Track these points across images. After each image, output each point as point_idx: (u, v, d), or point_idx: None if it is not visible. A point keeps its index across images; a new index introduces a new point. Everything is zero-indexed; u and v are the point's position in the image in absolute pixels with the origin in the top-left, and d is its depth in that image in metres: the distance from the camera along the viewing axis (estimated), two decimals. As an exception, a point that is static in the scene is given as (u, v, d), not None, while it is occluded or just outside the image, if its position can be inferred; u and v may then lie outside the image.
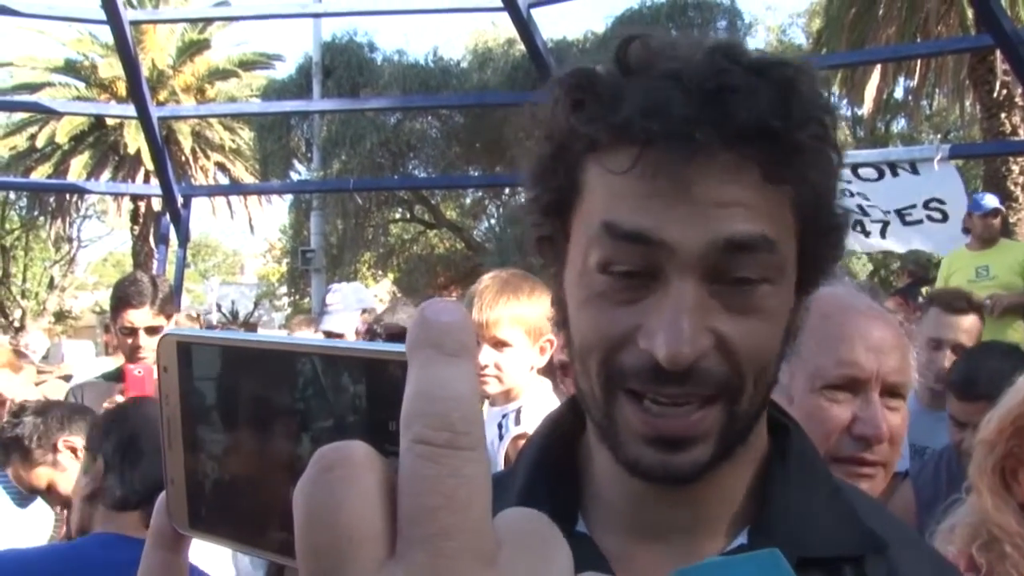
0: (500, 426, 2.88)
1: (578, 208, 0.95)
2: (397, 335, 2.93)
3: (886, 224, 7.32)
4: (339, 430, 0.42)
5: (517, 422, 2.83)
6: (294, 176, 22.92)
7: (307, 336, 5.10)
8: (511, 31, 12.97)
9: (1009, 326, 6.35)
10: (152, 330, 4.05)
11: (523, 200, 1.03)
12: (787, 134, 0.87)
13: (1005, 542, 1.78)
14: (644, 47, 0.91)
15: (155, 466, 1.91)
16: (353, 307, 4.83)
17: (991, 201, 7.22)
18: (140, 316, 4.03)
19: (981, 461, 1.87)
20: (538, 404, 2.81)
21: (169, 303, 4.19)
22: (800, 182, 0.90)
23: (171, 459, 0.52)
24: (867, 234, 7.50)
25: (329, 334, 4.73)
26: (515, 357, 2.82)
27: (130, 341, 4.03)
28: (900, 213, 7.36)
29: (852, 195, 7.34)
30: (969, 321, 4.05)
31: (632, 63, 0.91)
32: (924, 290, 6.94)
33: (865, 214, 7.36)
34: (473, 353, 0.39)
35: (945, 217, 7.29)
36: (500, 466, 2.67)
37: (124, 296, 4.07)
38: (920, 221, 7.35)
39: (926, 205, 7.32)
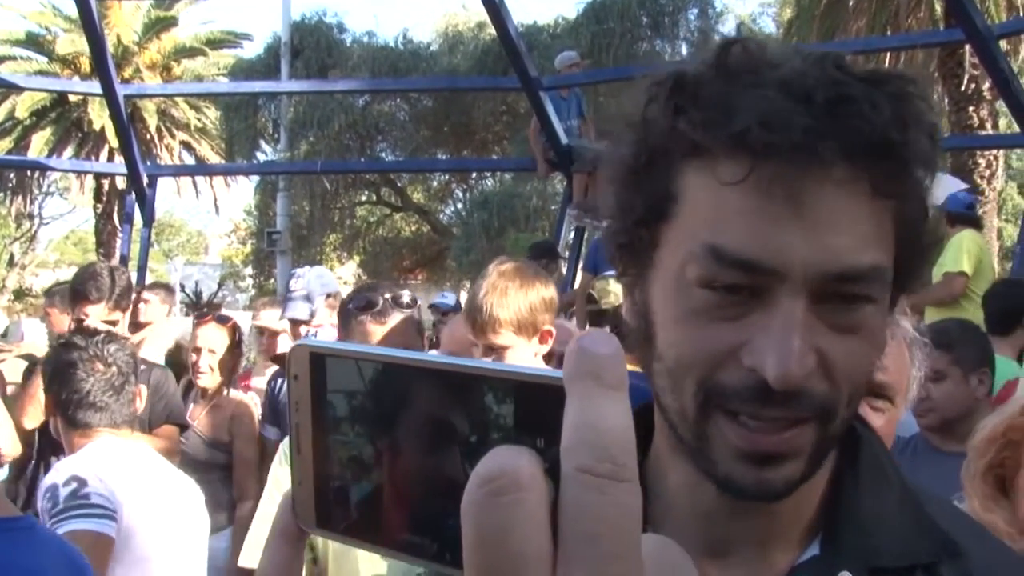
0: None
1: (673, 217, 0.90)
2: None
3: None
4: (484, 445, 0.44)
5: None
6: (261, 157, 22.76)
7: (278, 316, 5.04)
8: (482, 15, 12.95)
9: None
10: (106, 324, 4.19)
11: (607, 208, 0.97)
12: (902, 148, 0.85)
13: None
14: (746, 52, 0.88)
15: None
16: (317, 292, 4.76)
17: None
18: (96, 310, 4.25)
19: (970, 465, 1.88)
20: None
21: (125, 297, 4.38)
22: (906, 198, 0.88)
23: (300, 463, 0.55)
24: None
25: (294, 321, 4.66)
26: (513, 358, 2.80)
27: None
28: None
29: None
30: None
31: (734, 69, 0.87)
32: None
33: None
34: (627, 384, 0.42)
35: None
36: None
37: (83, 290, 4.27)
38: None
39: None
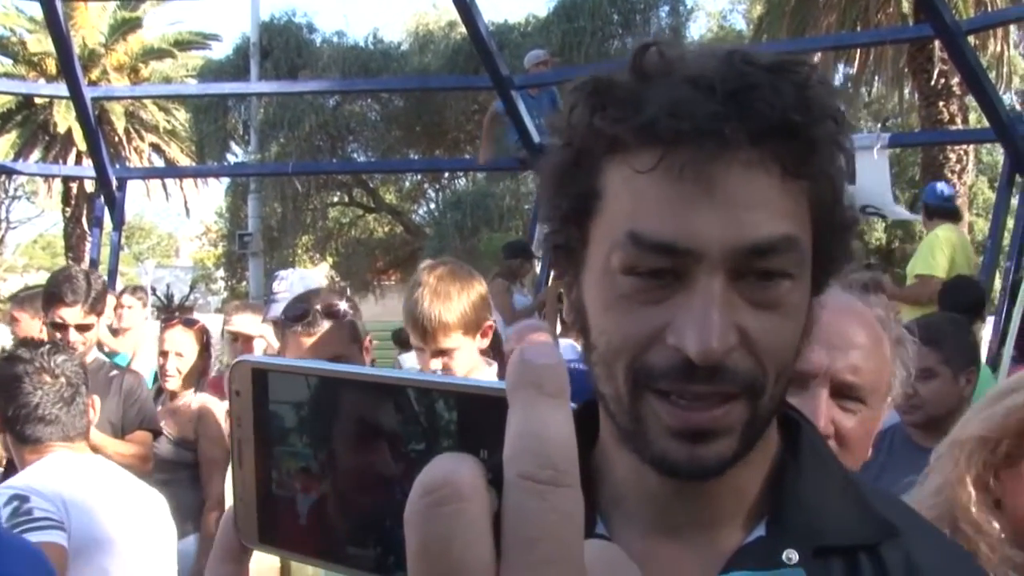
0: None
1: (599, 212, 0.95)
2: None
3: None
4: (429, 456, 0.45)
5: None
6: (231, 158, 22.62)
7: (251, 321, 5.01)
8: (452, 14, 12.90)
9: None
10: (82, 327, 4.25)
11: (540, 210, 1.03)
12: (807, 129, 0.90)
13: (980, 541, 1.76)
14: (660, 55, 0.93)
15: None
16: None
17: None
18: (71, 314, 4.21)
19: (973, 455, 1.84)
20: None
21: (100, 301, 4.35)
22: (817, 178, 0.92)
23: (241, 478, 0.55)
24: None
25: (276, 323, 4.65)
26: (461, 358, 2.88)
27: (59, 335, 4.15)
28: None
29: None
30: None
31: (648, 70, 0.92)
32: None
33: None
34: (568, 395, 0.43)
35: (883, 219, 7.41)
36: None
37: (58, 292, 4.23)
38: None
39: (863, 210, 7.41)
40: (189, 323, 5.06)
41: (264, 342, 4.92)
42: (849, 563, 0.97)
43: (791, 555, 0.95)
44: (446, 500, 0.41)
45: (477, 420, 0.45)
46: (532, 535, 0.40)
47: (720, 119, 0.86)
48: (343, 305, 2.93)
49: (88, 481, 2.88)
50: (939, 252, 6.48)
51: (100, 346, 6.06)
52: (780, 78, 0.89)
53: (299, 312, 2.86)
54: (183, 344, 4.85)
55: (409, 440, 0.48)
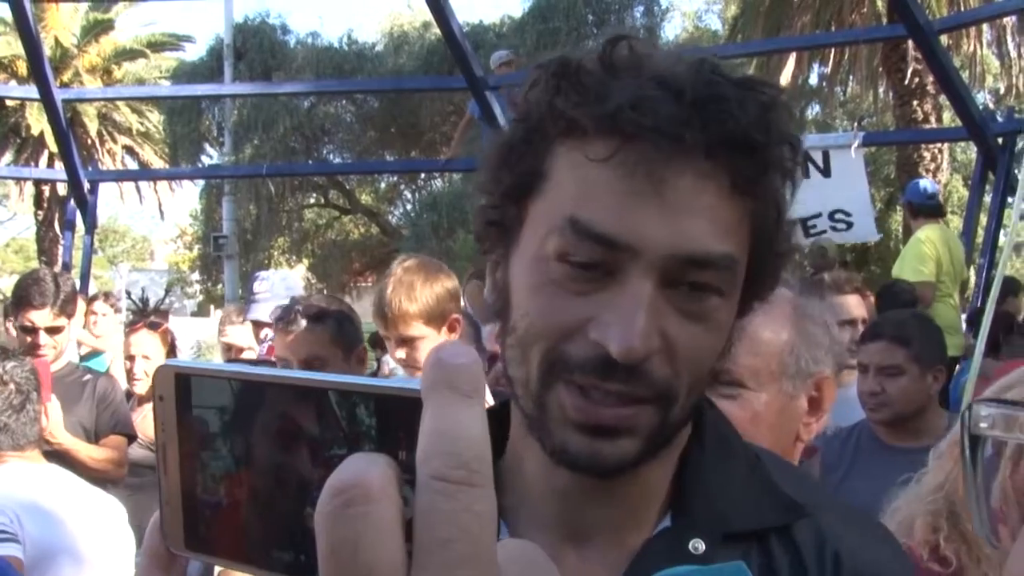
0: None
1: (541, 194, 0.94)
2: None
3: None
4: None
5: None
6: (205, 160, 22.51)
7: (244, 333, 4.99)
8: (427, 15, 12.87)
9: None
10: (52, 330, 4.22)
11: (480, 181, 1.01)
12: (764, 149, 0.89)
13: (985, 544, 1.74)
14: (630, 49, 0.92)
15: None
16: (281, 295, 4.76)
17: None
18: (41, 316, 4.18)
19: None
20: None
21: (71, 303, 4.31)
22: (764, 199, 0.92)
23: (167, 484, 0.54)
24: None
25: (257, 323, 4.63)
26: (425, 348, 2.93)
27: (29, 339, 4.16)
28: (804, 224, 7.41)
29: None
30: (849, 302, 4.27)
31: (617, 63, 0.91)
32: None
33: None
34: (484, 394, 0.42)
35: (850, 227, 7.40)
36: None
37: (26, 296, 4.20)
38: (823, 232, 7.43)
39: (831, 216, 7.42)
40: (154, 326, 5.04)
41: (253, 355, 4.91)
42: (760, 547, 0.96)
43: (697, 544, 0.94)
44: (354, 502, 0.40)
45: (397, 421, 0.44)
46: (444, 536, 0.40)
47: (682, 123, 0.85)
48: (328, 308, 3.04)
49: (42, 491, 2.84)
50: (926, 257, 6.52)
51: (79, 345, 6.01)
52: (747, 94, 0.89)
53: (282, 311, 3.03)
54: (149, 347, 4.83)
55: (330, 443, 0.47)
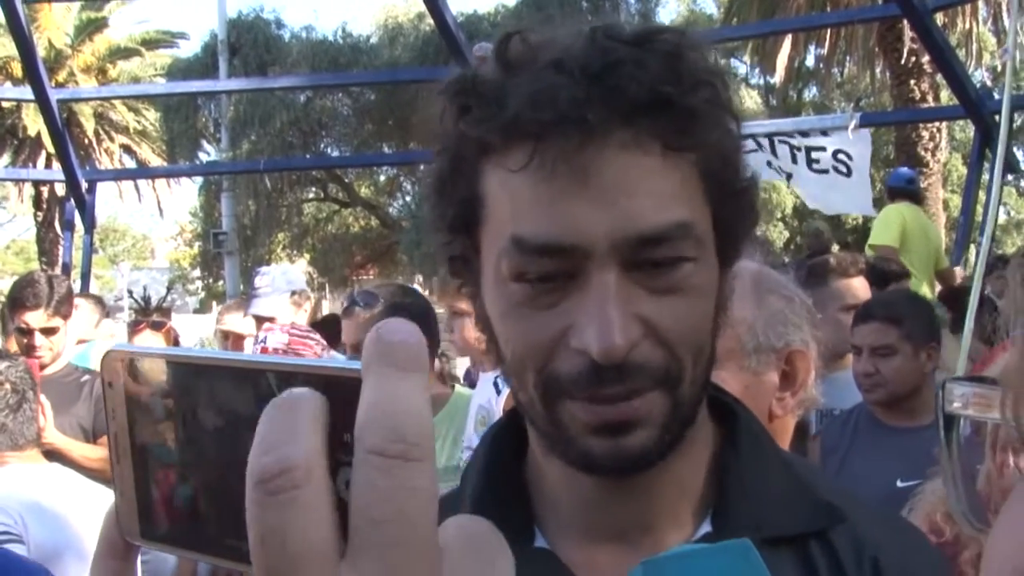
0: (496, 384, 3.13)
1: (484, 219, 0.91)
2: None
3: (790, 176, 7.40)
4: None
5: (499, 392, 3.09)
6: (203, 157, 22.47)
7: (242, 320, 4.97)
8: (421, 6, 12.83)
9: None
10: (47, 331, 4.26)
11: (428, 220, 0.98)
12: (680, 99, 0.85)
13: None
14: (524, 42, 0.88)
15: None
16: (282, 289, 4.74)
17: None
18: (35, 318, 4.22)
19: None
20: None
21: (65, 304, 4.34)
22: (702, 147, 0.88)
23: (119, 472, 0.53)
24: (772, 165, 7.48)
25: (259, 318, 4.62)
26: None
27: (25, 340, 4.21)
28: (808, 153, 7.40)
29: (759, 148, 7.37)
30: (854, 284, 4.19)
31: (513, 59, 0.88)
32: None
33: (773, 153, 7.37)
34: (426, 369, 0.41)
35: (849, 172, 7.39)
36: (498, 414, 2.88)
37: (20, 297, 4.25)
38: (826, 171, 7.43)
39: (835, 155, 7.42)
40: (156, 326, 5.03)
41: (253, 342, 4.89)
42: (800, 551, 0.95)
43: None
44: (280, 488, 0.38)
45: (341, 402, 0.43)
46: (378, 515, 0.37)
47: (581, 104, 0.82)
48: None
49: (44, 491, 2.84)
50: (892, 223, 6.59)
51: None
52: (645, 51, 0.85)
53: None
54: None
55: None
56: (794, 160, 7.39)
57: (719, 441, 1.00)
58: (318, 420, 0.40)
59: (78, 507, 2.90)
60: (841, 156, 7.38)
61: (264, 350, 3.74)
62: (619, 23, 0.89)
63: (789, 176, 7.39)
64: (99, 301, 5.74)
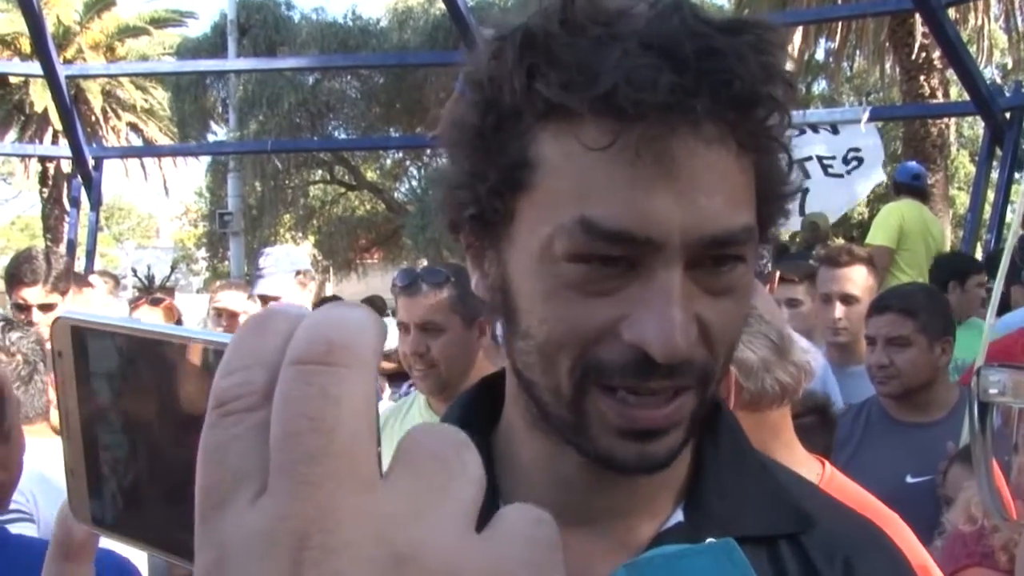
0: None
1: (532, 187, 0.85)
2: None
3: (806, 192, 7.41)
4: None
5: None
6: (212, 137, 22.45)
7: (236, 297, 4.96)
8: (432, -11, 12.82)
9: None
10: (45, 307, 4.23)
11: (450, 176, 0.91)
12: (768, 101, 0.83)
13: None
14: (590, 2, 0.83)
15: None
16: (287, 269, 4.74)
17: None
18: (33, 293, 4.19)
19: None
20: None
21: (63, 280, 4.31)
22: (767, 150, 0.86)
23: (70, 449, 0.49)
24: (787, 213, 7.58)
25: (264, 298, 4.63)
26: None
27: (23, 317, 4.14)
28: (822, 162, 7.46)
29: None
30: (853, 271, 4.17)
31: (582, 20, 0.82)
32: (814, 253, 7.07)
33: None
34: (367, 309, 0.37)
35: (861, 162, 7.42)
36: None
37: (17, 273, 4.22)
38: (841, 175, 7.46)
39: (845, 159, 7.44)
40: (155, 302, 5.03)
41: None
42: (770, 552, 0.94)
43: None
44: (232, 411, 0.36)
45: None
46: (293, 428, 0.34)
47: (687, 92, 0.78)
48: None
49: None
50: (890, 223, 6.59)
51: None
52: (740, 43, 0.82)
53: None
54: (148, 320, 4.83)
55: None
56: (806, 174, 7.40)
57: (700, 435, 0.99)
58: (286, 342, 0.36)
59: None
60: (851, 155, 7.39)
61: None
62: (696, 3, 0.85)
63: (805, 192, 7.37)
64: (115, 280, 5.75)
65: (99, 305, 5.58)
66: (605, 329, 0.84)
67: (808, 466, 1.70)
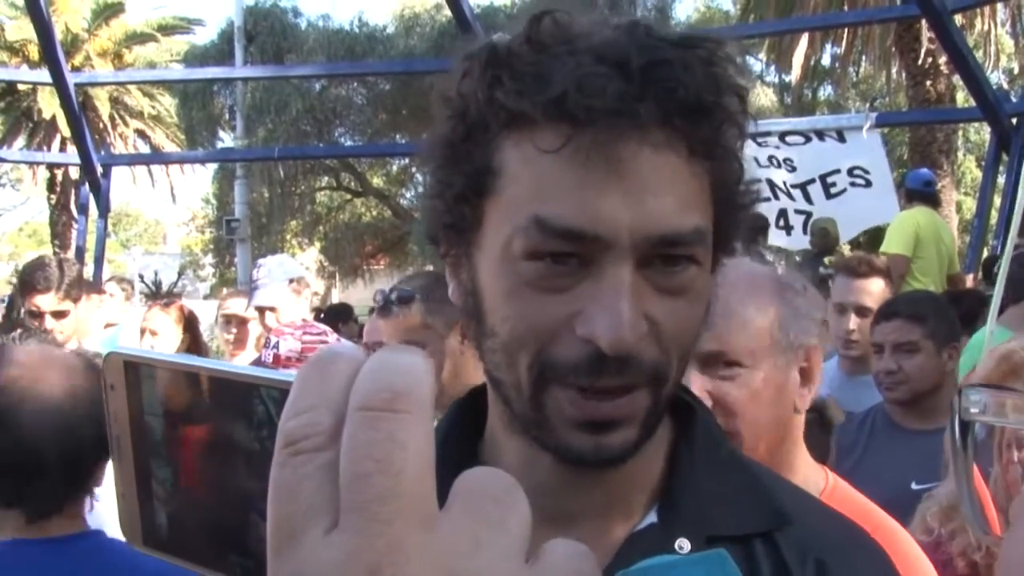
0: None
1: (495, 192, 0.90)
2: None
3: (808, 215, 7.42)
4: None
5: None
6: (218, 143, 22.50)
7: (244, 304, 4.99)
8: (438, -4, 12.86)
9: None
10: (58, 314, 4.28)
11: (427, 187, 0.97)
12: (716, 109, 0.87)
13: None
14: (556, 24, 0.89)
15: None
16: (279, 278, 4.78)
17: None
18: (46, 301, 4.24)
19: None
20: None
21: (76, 287, 4.35)
22: (721, 157, 0.90)
23: (121, 475, 0.53)
24: (789, 230, 7.57)
25: (261, 309, 4.65)
26: None
27: (36, 323, 4.18)
28: (824, 181, 7.45)
29: (779, 165, 7.40)
30: (871, 284, 4.14)
31: (546, 40, 0.88)
32: (827, 260, 7.04)
33: (789, 197, 7.42)
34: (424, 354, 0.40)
35: (869, 183, 7.40)
36: None
37: (30, 281, 4.27)
38: (844, 190, 7.46)
39: (850, 172, 7.44)
40: (166, 305, 5.08)
41: (259, 326, 4.91)
42: (744, 551, 0.95)
43: (683, 544, 0.93)
44: (301, 451, 0.39)
45: None
46: (363, 469, 0.37)
47: (634, 99, 0.83)
48: (413, 291, 3.01)
49: None
50: (905, 231, 6.58)
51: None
52: (689, 54, 0.86)
53: (380, 299, 3.00)
54: (158, 322, 4.85)
55: (267, 440, 0.46)
56: (809, 200, 7.40)
57: (674, 437, 1.01)
58: (348, 384, 0.39)
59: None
60: (857, 172, 7.39)
61: (277, 357, 3.72)
62: (656, 23, 0.90)
63: (808, 216, 7.37)
64: (132, 286, 5.78)
65: (116, 311, 5.62)
66: (560, 324, 0.87)
67: (814, 474, 1.70)
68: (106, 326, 5.84)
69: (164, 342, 4.83)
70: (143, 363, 0.51)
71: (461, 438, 1.03)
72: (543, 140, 0.86)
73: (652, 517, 0.98)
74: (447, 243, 0.97)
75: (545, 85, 0.85)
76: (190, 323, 4.96)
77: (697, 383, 1.53)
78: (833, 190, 7.46)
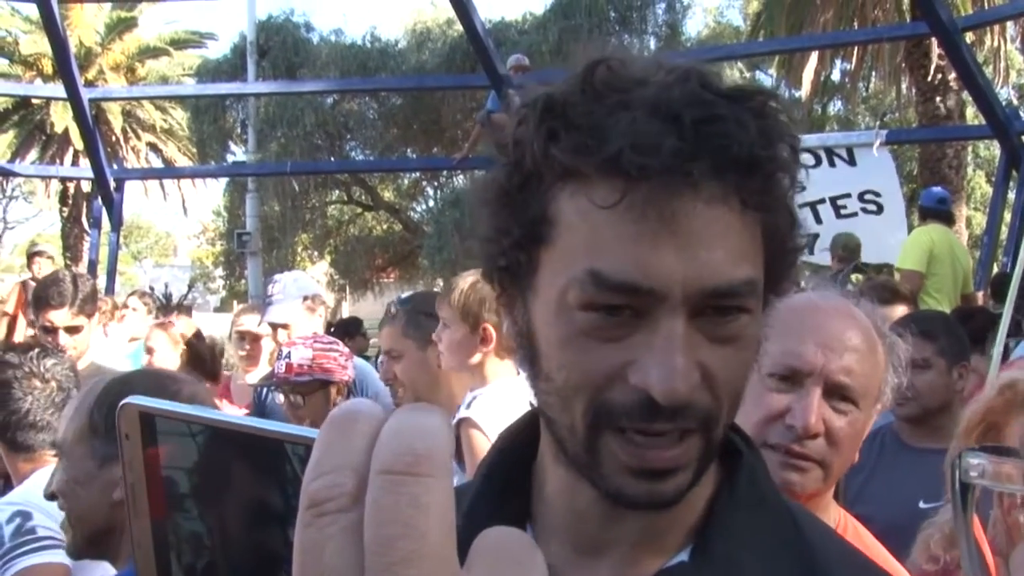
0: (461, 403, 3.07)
1: (550, 241, 0.92)
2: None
3: (816, 236, 7.43)
4: None
5: (468, 406, 2.95)
6: (231, 158, 22.59)
7: (253, 320, 5.01)
8: (450, 11, 12.89)
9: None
10: (71, 329, 4.28)
11: (482, 231, 0.99)
12: (769, 162, 0.89)
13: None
14: (611, 71, 0.90)
15: None
16: (294, 296, 4.77)
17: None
18: (60, 316, 4.23)
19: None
20: (495, 398, 2.92)
21: (90, 303, 4.36)
22: (772, 209, 0.92)
23: (137, 525, 0.53)
24: None
25: (274, 325, 4.66)
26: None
27: (50, 339, 4.17)
28: (835, 203, 7.46)
29: None
30: (895, 311, 4.13)
31: (600, 88, 0.89)
32: (854, 277, 7.04)
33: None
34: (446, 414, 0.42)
35: (880, 209, 7.41)
36: None
37: (44, 296, 4.26)
38: (855, 214, 7.47)
39: (861, 197, 7.45)
40: (163, 325, 5.15)
41: (271, 342, 4.92)
42: None
43: None
44: (326, 512, 0.40)
45: None
46: (387, 533, 0.38)
47: (687, 157, 0.84)
48: (403, 304, 3.29)
49: None
50: (920, 247, 6.60)
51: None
52: (741, 108, 0.88)
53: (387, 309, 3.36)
54: (155, 341, 4.93)
55: (283, 493, 0.46)
56: (818, 220, 7.41)
57: (720, 479, 1.02)
58: (371, 443, 0.41)
59: None
60: (868, 196, 7.39)
61: (289, 366, 3.73)
62: (709, 71, 0.91)
63: (815, 238, 7.39)
64: (154, 301, 5.82)
65: (139, 326, 5.64)
66: (614, 373, 0.89)
67: (833, 511, 1.73)
68: (130, 340, 5.88)
69: (161, 360, 4.86)
70: (159, 414, 0.51)
71: (515, 459, 1.05)
72: (598, 195, 0.87)
73: (683, 556, 0.98)
74: (501, 285, 1.00)
75: (600, 142, 0.86)
76: (192, 344, 4.98)
77: (814, 406, 1.57)
78: (843, 212, 7.48)
